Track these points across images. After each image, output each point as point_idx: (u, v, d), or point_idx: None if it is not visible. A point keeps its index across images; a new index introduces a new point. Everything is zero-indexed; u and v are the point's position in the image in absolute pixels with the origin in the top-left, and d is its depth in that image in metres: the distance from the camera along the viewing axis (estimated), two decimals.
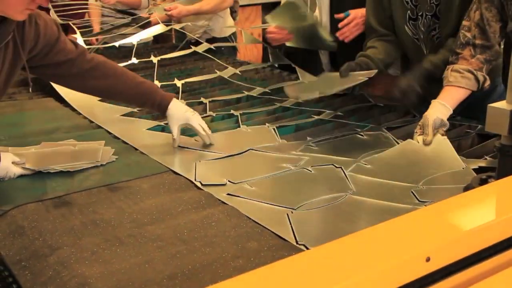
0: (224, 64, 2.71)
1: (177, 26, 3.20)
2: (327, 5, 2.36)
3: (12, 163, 1.39)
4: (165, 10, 3.05)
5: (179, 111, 1.67)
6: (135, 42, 2.86)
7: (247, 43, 3.44)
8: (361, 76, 1.87)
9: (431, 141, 1.54)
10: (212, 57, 2.82)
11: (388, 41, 2.07)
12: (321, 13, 2.44)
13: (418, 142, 1.57)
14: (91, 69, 1.61)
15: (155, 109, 1.72)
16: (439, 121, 1.56)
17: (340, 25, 2.18)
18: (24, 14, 1.34)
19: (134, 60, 2.62)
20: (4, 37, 1.35)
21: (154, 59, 2.62)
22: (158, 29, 3.01)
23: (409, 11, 1.95)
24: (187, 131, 1.78)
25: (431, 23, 1.93)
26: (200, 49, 2.75)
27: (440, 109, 1.59)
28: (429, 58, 1.84)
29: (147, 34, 3.04)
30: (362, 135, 1.77)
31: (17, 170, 1.40)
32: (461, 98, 1.62)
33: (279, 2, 3.34)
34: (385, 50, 2.06)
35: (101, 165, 1.52)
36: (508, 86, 1.06)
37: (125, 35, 3.06)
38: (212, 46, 2.76)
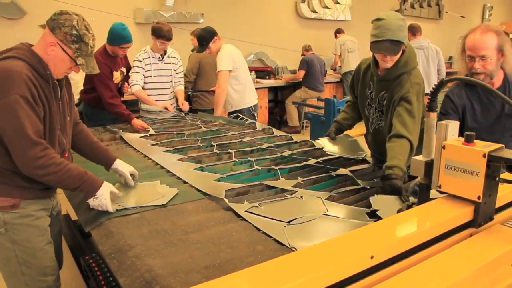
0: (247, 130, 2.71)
1: None
2: None
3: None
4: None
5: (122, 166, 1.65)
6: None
7: None
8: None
9: None
10: (236, 121, 2.84)
11: (356, 106, 2.04)
12: None
13: None
14: (80, 130, 1.64)
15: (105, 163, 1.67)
16: None
17: None
18: (63, 75, 1.43)
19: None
20: (63, 82, 1.45)
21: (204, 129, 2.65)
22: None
23: (368, 100, 1.91)
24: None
25: (378, 115, 1.87)
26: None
27: None
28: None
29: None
30: (334, 175, 1.78)
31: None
32: None
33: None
34: (352, 115, 2.05)
35: (162, 204, 1.46)
36: (423, 146, 1.11)
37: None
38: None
